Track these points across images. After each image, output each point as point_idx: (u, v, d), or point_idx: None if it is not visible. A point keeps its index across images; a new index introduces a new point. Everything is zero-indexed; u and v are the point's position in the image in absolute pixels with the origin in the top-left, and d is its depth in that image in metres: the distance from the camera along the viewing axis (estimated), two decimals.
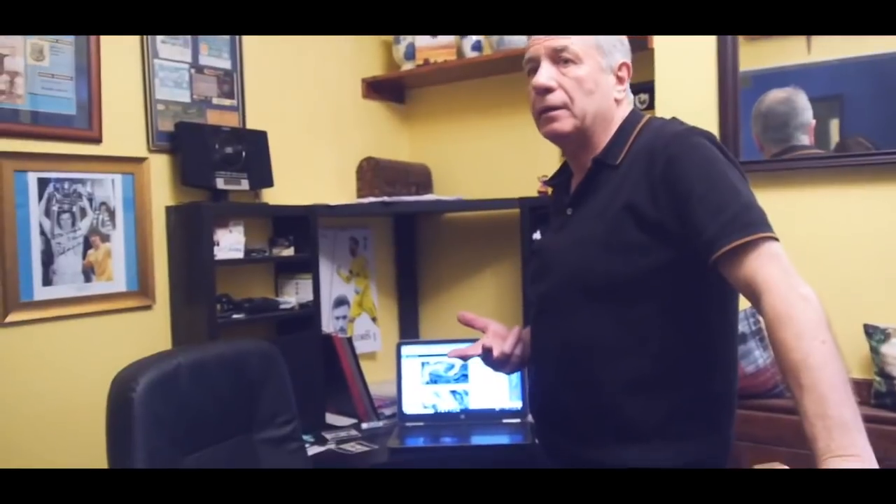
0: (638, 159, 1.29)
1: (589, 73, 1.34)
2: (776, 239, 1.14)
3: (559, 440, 1.42)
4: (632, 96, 1.44)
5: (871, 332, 1.96)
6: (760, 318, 2.11)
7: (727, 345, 1.35)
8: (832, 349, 1.00)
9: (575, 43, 1.33)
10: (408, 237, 3.19)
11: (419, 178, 3.06)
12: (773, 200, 2.12)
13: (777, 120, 2.18)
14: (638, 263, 1.25)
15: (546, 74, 1.34)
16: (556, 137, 1.39)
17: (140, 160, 2.24)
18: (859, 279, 2.05)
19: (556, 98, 1.34)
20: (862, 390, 1.94)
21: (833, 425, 0.94)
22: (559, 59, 1.34)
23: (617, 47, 1.38)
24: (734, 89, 2.22)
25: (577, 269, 1.33)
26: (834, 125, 2.16)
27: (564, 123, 1.35)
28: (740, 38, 2.22)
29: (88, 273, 2.12)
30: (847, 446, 0.93)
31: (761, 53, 2.23)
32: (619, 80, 1.39)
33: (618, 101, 1.39)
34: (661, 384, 1.28)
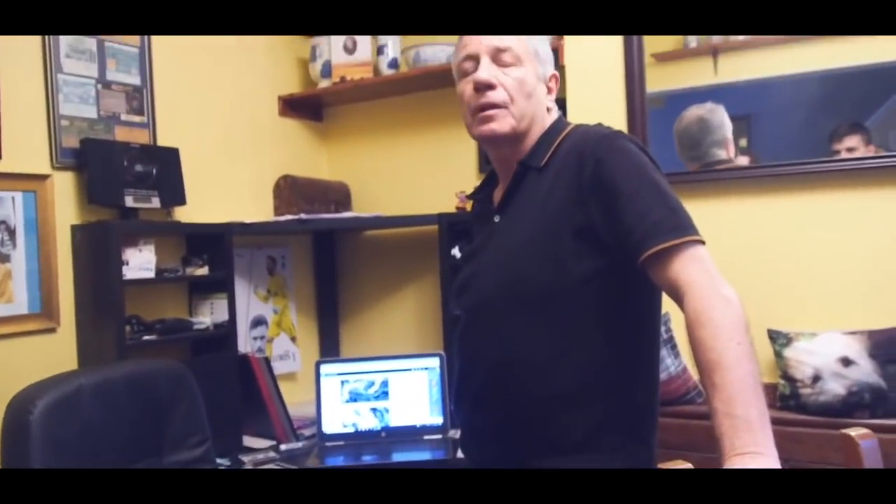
0: (566, 163, 1.29)
1: (529, 76, 1.34)
2: (702, 242, 1.15)
3: (487, 454, 1.39)
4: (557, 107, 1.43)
5: (774, 336, 2.04)
6: (672, 327, 2.18)
7: (653, 355, 1.34)
8: (746, 351, 1.02)
9: (517, 46, 1.33)
10: (327, 255, 3.15)
11: (338, 195, 3.04)
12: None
13: (690, 140, 2.27)
14: (571, 272, 1.24)
15: (488, 71, 1.31)
16: (491, 139, 1.35)
17: (43, 177, 2.16)
18: (763, 286, 2.13)
19: (497, 96, 1.31)
20: (768, 393, 1.99)
21: (739, 424, 0.96)
22: (500, 59, 1.32)
23: (550, 58, 1.40)
24: (642, 109, 2.30)
25: (509, 279, 1.31)
26: (743, 143, 2.25)
27: (503, 124, 1.32)
28: (648, 60, 2.30)
29: None
30: (750, 444, 0.95)
31: (670, 75, 2.32)
32: (549, 90, 1.40)
33: (548, 110, 1.40)
34: (592, 396, 1.26)
